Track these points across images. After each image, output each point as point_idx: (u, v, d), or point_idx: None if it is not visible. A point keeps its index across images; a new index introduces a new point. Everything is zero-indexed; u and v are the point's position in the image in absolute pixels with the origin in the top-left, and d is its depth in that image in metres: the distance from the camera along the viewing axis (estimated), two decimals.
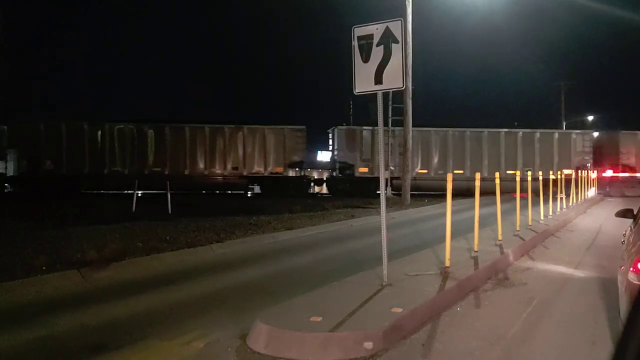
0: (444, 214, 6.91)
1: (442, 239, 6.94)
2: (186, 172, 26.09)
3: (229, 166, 26.32)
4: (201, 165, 26.26)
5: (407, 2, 19.41)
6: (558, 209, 14.53)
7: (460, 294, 5.79)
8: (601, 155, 28.33)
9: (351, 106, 38.30)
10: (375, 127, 25.87)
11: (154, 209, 14.90)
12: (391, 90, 6.37)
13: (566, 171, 19.23)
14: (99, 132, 25.88)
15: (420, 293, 5.32)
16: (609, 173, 27.75)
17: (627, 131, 28.61)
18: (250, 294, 6.21)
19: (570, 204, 16.79)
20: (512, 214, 10.90)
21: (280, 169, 26.46)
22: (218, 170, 26.45)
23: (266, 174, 26.52)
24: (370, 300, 5.04)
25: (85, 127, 25.78)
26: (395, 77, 5.52)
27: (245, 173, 26.42)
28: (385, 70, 5.55)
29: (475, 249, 7.54)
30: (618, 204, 13.07)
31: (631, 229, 5.26)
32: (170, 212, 14.33)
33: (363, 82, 5.68)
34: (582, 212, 16.32)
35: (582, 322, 5.07)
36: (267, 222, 12.32)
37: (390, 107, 25.28)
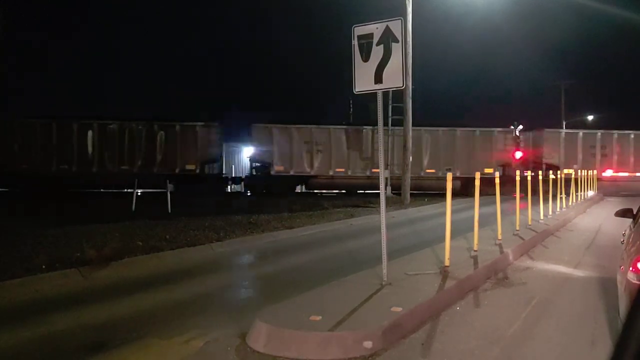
0: (444, 214, 6.91)
1: (442, 238, 6.94)
2: (397, 173, 26.20)
3: (444, 167, 26.14)
4: (417, 166, 26.02)
5: (407, 2, 19.39)
6: (558, 209, 14.53)
7: (460, 293, 5.79)
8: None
9: (351, 105, 38.30)
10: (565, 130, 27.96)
11: (153, 208, 14.91)
12: (391, 89, 6.37)
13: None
14: (326, 135, 26.33)
15: (419, 292, 5.32)
16: (608, 173, 27.69)
17: None
18: (250, 292, 6.22)
19: (570, 203, 16.80)
20: (512, 213, 10.90)
21: (490, 170, 25.85)
22: (435, 171, 26.37)
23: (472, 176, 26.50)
24: (370, 300, 5.04)
25: (313, 130, 26.31)
26: (395, 77, 5.52)
27: (458, 174, 25.71)
28: (385, 70, 5.54)
29: (475, 249, 7.54)
30: (618, 204, 13.07)
31: (631, 229, 5.26)
32: (170, 211, 14.33)
33: (363, 81, 5.68)
34: (581, 212, 16.32)
35: (582, 321, 5.07)
36: (266, 221, 12.33)
37: (390, 107, 25.27)
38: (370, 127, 25.95)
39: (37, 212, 13.99)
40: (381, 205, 5.88)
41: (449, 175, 6.87)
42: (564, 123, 41.17)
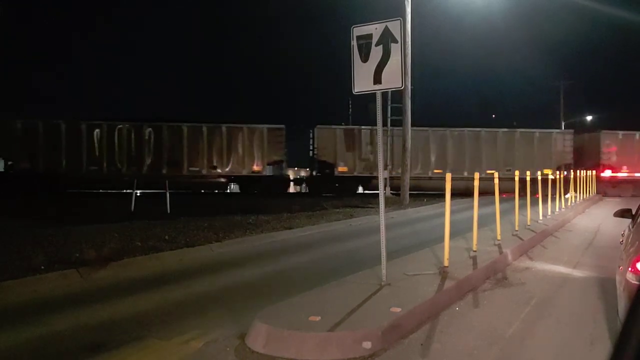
0: (443, 214, 6.91)
1: (441, 238, 6.94)
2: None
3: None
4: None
5: (406, 2, 19.40)
6: (557, 209, 14.55)
7: (459, 293, 5.79)
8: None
9: (350, 106, 38.39)
10: None
11: (152, 208, 14.89)
12: (390, 90, 6.38)
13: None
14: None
15: (419, 293, 5.33)
16: (607, 173, 27.68)
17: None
18: (249, 293, 6.21)
19: (569, 204, 16.81)
20: (511, 213, 10.91)
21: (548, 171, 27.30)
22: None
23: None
24: (369, 300, 5.04)
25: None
26: (394, 77, 5.53)
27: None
28: (384, 70, 5.55)
29: (474, 249, 7.54)
30: (617, 204, 13.08)
31: (629, 229, 5.27)
32: (169, 211, 14.32)
33: (362, 81, 5.69)
34: (580, 212, 16.33)
35: (581, 321, 5.07)
36: (266, 221, 12.32)
37: (389, 107, 25.28)
38: None
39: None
40: (380, 205, 5.89)
41: (448, 176, 6.88)
42: (563, 123, 41.24)
